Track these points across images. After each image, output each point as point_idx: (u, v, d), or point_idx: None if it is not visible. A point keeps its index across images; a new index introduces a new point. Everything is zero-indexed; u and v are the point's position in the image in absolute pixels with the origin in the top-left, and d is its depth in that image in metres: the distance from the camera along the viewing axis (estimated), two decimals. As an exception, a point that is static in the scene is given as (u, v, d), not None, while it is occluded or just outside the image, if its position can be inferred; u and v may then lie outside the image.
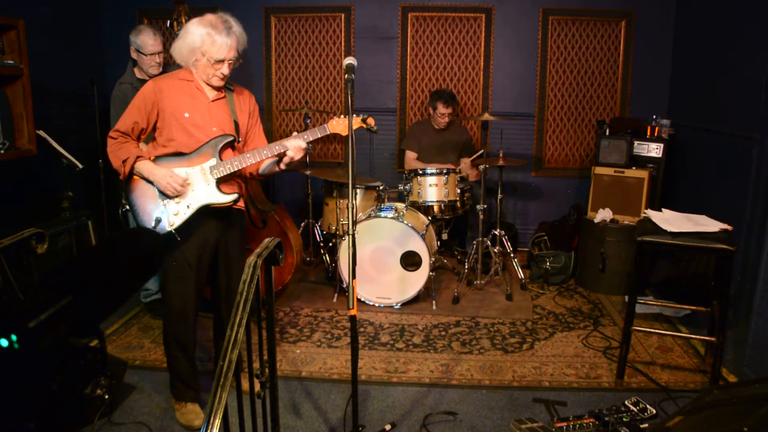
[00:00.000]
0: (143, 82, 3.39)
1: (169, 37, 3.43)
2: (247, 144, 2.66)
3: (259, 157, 2.49)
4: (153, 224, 2.44)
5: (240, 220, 2.70)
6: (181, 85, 2.47)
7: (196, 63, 2.42)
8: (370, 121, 2.50)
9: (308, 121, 4.59)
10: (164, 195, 2.46)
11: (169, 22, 3.32)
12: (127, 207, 2.56)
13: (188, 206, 2.47)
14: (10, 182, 3.92)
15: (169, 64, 3.49)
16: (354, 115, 2.36)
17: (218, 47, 2.35)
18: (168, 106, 2.43)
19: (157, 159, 2.46)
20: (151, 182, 2.45)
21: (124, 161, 2.42)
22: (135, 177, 2.47)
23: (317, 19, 5.09)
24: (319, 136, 2.52)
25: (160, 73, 3.42)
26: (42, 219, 3.85)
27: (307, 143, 2.53)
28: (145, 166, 2.42)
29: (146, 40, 3.29)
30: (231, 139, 2.50)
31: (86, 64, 4.85)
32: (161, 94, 2.43)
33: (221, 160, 2.47)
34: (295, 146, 2.46)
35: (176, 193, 2.43)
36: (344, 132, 2.48)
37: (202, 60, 2.39)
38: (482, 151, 4.59)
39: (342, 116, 2.50)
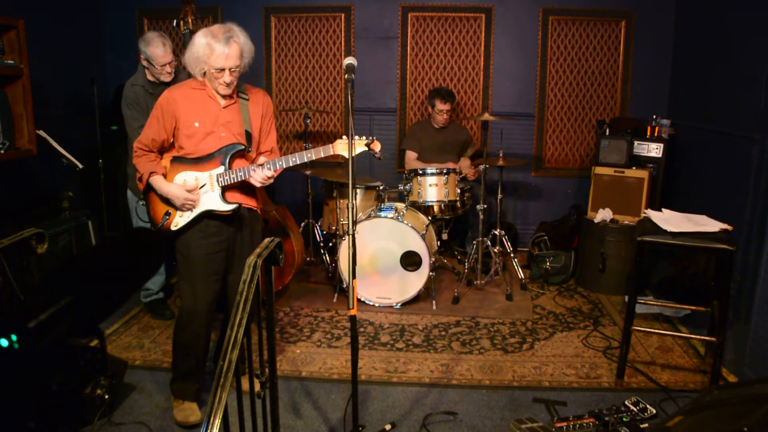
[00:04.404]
0: (154, 84, 3.38)
1: (174, 38, 3.39)
2: (260, 145, 2.70)
3: (249, 173, 2.55)
4: (161, 221, 2.58)
5: (253, 221, 2.74)
6: (193, 93, 2.53)
7: (204, 72, 2.47)
8: (375, 146, 2.50)
9: (308, 121, 4.60)
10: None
11: (175, 21, 3.31)
12: (143, 203, 2.72)
13: (192, 210, 2.57)
14: (10, 182, 3.92)
15: (180, 70, 3.47)
16: (358, 137, 2.46)
17: (216, 56, 2.39)
18: (181, 116, 2.51)
19: (174, 160, 2.58)
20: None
21: (140, 178, 2.59)
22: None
23: (317, 19, 5.09)
24: (323, 155, 2.54)
25: (174, 79, 3.40)
26: (42, 219, 3.85)
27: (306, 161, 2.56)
28: (156, 183, 2.55)
29: (156, 52, 3.25)
30: (242, 148, 2.56)
31: (86, 64, 4.85)
32: (175, 104, 2.50)
33: (230, 168, 2.54)
34: (258, 177, 2.53)
35: (193, 208, 2.54)
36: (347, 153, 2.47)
37: (205, 69, 2.45)
38: (471, 149, 4.59)
39: (345, 137, 2.49)
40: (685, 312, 3.67)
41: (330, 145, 2.52)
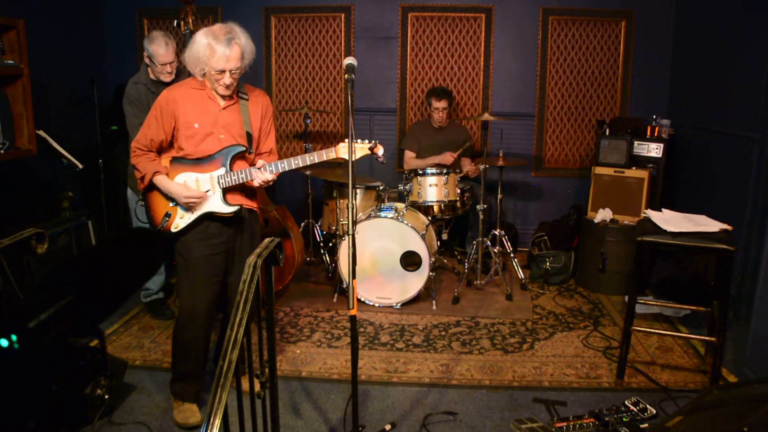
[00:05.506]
0: (156, 83, 3.37)
1: (175, 38, 3.38)
2: (259, 146, 2.69)
3: (251, 176, 2.55)
4: (161, 222, 2.56)
5: (253, 222, 2.73)
6: (193, 94, 2.51)
7: (204, 72, 2.44)
8: (378, 150, 2.49)
9: (308, 121, 4.59)
10: (174, 200, 2.56)
11: (176, 22, 3.30)
12: (142, 203, 2.71)
13: (192, 211, 2.55)
14: (10, 182, 3.92)
15: (182, 72, 3.46)
16: (361, 140, 2.45)
17: (217, 58, 2.35)
18: (181, 116, 2.48)
19: (173, 160, 2.55)
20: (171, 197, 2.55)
21: (142, 177, 2.55)
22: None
23: (317, 19, 5.09)
24: (326, 158, 2.52)
25: (174, 80, 3.38)
26: (42, 219, 3.85)
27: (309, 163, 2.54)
28: (160, 182, 2.53)
29: (157, 50, 3.23)
30: (242, 150, 2.54)
31: (86, 64, 4.86)
32: (175, 104, 2.47)
33: (231, 170, 2.53)
34: (260, 179, 2.52)
35: (195, 206, 2.53)
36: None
37: (206, 69, 2.42)
38: (468, 143, 4.60)
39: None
40: (685, 312, 3.67)
41: (333, 148, 2.50)
